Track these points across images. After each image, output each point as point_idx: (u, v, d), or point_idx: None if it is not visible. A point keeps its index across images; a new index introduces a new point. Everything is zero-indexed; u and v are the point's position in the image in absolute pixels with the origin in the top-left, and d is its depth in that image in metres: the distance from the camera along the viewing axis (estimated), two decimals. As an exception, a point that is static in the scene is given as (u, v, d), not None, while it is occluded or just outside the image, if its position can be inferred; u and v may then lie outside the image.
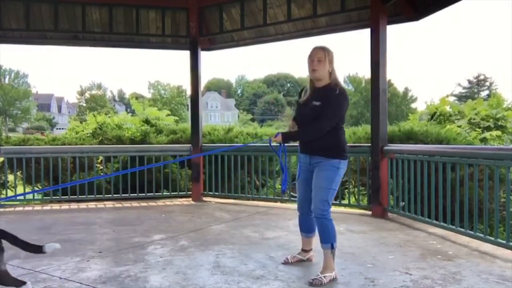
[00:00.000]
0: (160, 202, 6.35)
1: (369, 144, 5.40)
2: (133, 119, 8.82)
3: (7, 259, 3.50)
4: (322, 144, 3.03)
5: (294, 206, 6.02)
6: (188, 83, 6.66)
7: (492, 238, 3.78)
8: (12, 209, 5.98)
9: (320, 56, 3.04)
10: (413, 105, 58.29)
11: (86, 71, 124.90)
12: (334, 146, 3.04)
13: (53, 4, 6.23)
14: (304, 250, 3.42)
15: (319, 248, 3.15)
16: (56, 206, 6.17)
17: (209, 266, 3.33)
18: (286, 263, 3.35)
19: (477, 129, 9.42)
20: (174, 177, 6.79)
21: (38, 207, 6.09)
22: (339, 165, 3.02)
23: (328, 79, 3.06)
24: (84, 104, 63.29)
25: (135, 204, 6.28)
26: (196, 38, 6.53)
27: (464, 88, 57.31)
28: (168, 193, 6.69)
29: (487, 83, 57.50)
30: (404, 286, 2.92)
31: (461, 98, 47.83)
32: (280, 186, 6.98)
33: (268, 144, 3.22)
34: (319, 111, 2.99)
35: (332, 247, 3.03)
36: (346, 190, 5.64)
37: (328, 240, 3.03)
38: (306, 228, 3.33)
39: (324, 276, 2.95)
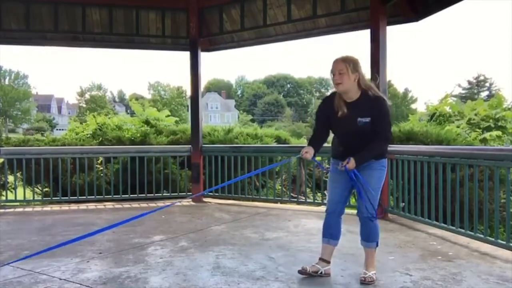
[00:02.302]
0: (160, 203, 6.34)
1: (369, 145, 5.38)
2: (133, 119, 8.82)
3: (7, 259, 3.51)
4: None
5: (294, 206, 6.06)
6: (188, 84, 6.67)
7: (492, 239, 3.78)
8: (12, 210, 5.99)
9: (341, 69, 2.88)
10: (413, 106, 58.30)
11: (86, 72, 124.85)
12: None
13: (53, 4, 6.23)
14: (323, 260, 3.10)
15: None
16: (56, 207, 6.16)
17: (209, 267, 3.33)
18: (303, 272, 3.06)
19: (477, 130, 9.41)
20: (174, 178, 6.79)
21: (38, 208, 6.09)
22: (385, 164, 3.06)
23: (358, 88, 2.92)
24: (84, 105, 63.31)
25: (135, 205, 6.28)
26: (196, 39, 6.53)
27: (464, 88, 57.27)
28: (168, 194, 6.68)
29: (487, 84, 57.51)
30: (404, 287, 2.92)
31: (461, 98, 47.78)
32: (280, 187, 6.98)
33: (344, 169, 2.90)
34: (370, 127, 2.88)
35: (377, 245, 3.12)
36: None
37: (375, 239, 3.08)
38: (332, 233, 3.11)
39: (373, 273, 3.02)
